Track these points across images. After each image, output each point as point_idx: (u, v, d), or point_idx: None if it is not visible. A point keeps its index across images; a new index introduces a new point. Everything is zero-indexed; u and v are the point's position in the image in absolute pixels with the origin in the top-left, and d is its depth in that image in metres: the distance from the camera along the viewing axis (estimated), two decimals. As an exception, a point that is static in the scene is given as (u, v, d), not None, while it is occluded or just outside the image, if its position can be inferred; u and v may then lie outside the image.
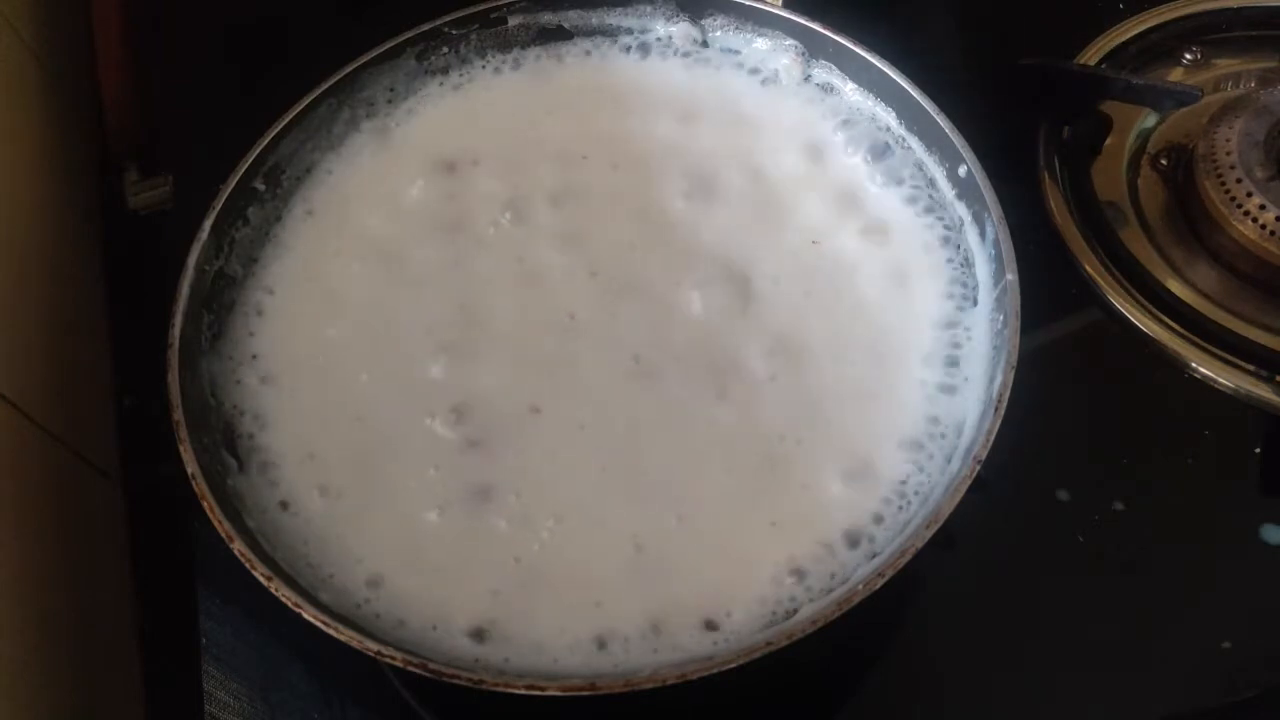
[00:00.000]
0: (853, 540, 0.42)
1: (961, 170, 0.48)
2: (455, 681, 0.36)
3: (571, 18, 0.57)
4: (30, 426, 0.52)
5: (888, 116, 0.52)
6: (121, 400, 0.60)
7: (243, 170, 0.49)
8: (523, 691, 0.36)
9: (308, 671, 0.47)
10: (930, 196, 0.50)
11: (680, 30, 0.56)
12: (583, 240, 0.51)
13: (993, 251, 0.46)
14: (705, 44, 0.56)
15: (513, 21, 0.56)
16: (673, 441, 0.45)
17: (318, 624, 0.38)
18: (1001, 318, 0.44)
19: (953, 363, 0.46)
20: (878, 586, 0.37)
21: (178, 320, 0.45)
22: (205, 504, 0.40)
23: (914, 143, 0.51)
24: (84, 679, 0.51)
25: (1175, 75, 0.64)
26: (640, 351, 0.47)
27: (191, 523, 0.48)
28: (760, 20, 0.55)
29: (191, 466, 0.41)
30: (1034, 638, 0.47)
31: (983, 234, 0.47)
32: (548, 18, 0.56)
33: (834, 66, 0.54)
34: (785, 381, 0.46)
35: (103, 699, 0.52)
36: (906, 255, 0.49)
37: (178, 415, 0.42)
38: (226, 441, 0.45)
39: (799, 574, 0.41)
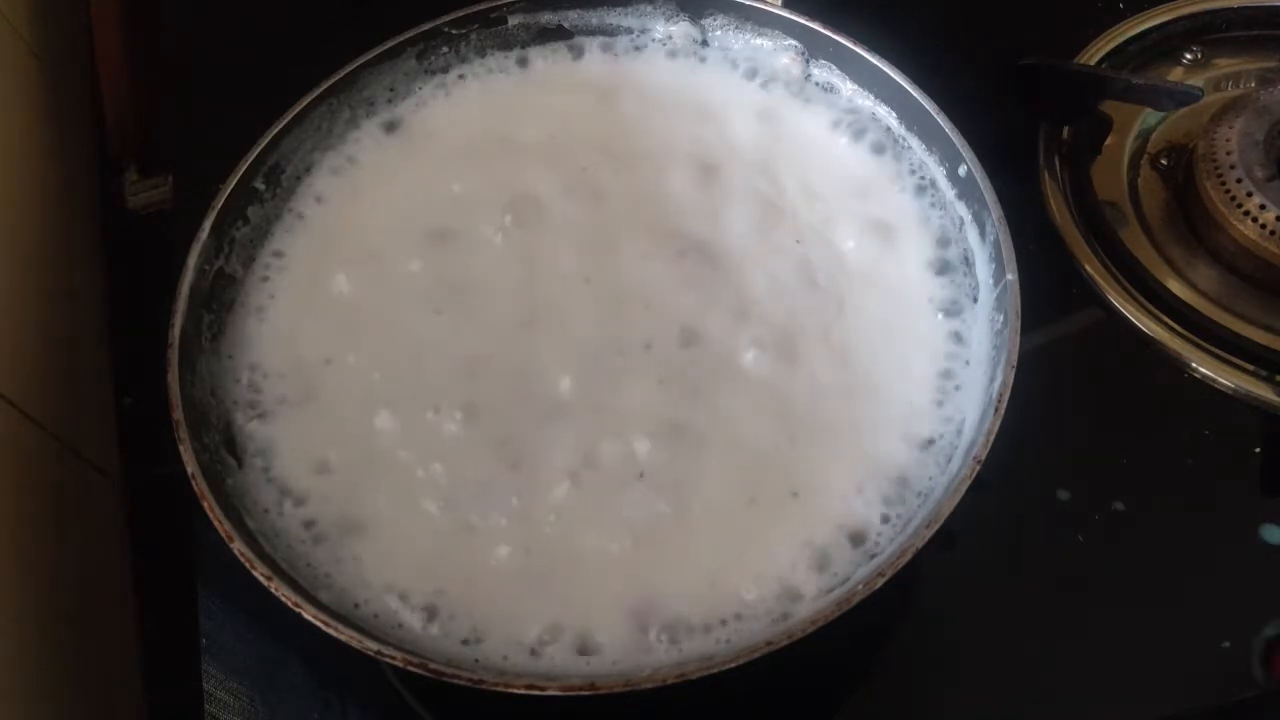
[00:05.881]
0: (853, 540, 0.42)
1: (961, 170, 0.48)
2: (455, 681, 0.36)
3: (571, 17, 0.57)
4: (30, 426, 0.52)
5: (888, 116, 0.52)
6: (121, 400, 0.60)
7: (243, 170, 0.49)
8: (522, 691, 0.36)
9: (308, 671, 0.47)
10: (930, 196, 0.50)
11: (680, 30, 0.56)
12: (583, 241, 0.50)
13: (993, 251, 0.46)
14: (705, 43, 0.56)
15: (513, 21, 0.56)
16: (670, 439, 0.45)
17: (318, 624, 0.38)
18: (1001, 318, 0.44)
19: (952, 363, 0.46)
20: (878, 586, 0.37)
21: (178, 320, 0.45)
22: (205, 504, 0.40)
23: (914, 142, 0.51)
24: (84, 679, 0.51)
25: (1175, 75, 0.64)
26: (638, 352, 0.47)
27: (191, 523, 0.47)
28: (760, 20, 0.55)
29: (191, 466, 0.41)
30: (1034, 637, 0.47)
31: (983, 234, 0.47)
32: (548, 17, 0.56)
33: (834, 66, 0.54)
34: (783, 381, 0.46)
35: (103, 699, 0.52)
36: (906, 254, 0.49)
37: (178, 415, 0.42)
38: (226, 441, 0.45)
39: (798, 574, 0.41)
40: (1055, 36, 0.65)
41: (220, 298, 0.48)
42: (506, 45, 0.57)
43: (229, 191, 0.49)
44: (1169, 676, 0.46)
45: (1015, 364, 0.41)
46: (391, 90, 0.55)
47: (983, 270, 0.47)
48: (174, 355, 0.43)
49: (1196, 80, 0.63)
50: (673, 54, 0.56)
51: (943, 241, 0.49)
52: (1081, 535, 0.48)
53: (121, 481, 0.59)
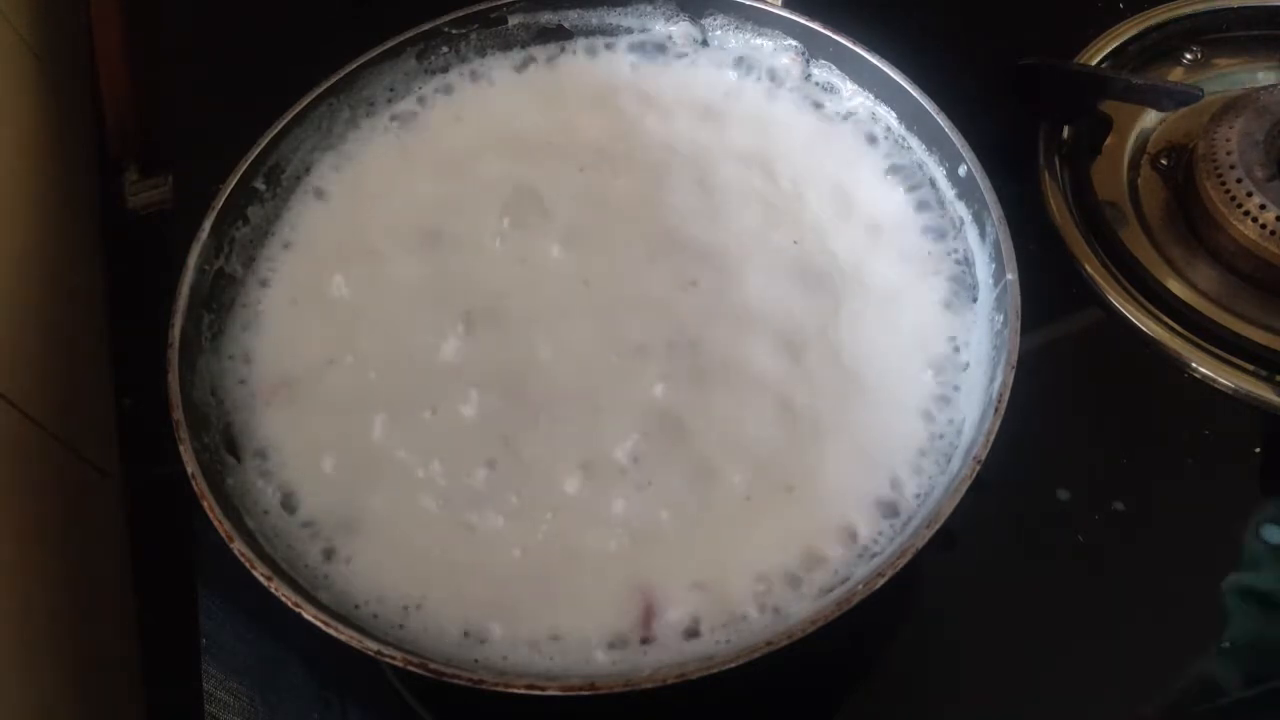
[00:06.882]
0: (851, 539, 0.42)
1: (961, 170, 0.48)
2: (455, 681, 0.36)
3: (571, 17, 0.57)
4: (30, 426, 0.52)
5: (888, 116, 0.52)
6: (121, 400, 0.60)
7: (243, 170, 0.49)
8: (522, 691, 0.36)
9: (308, 671, 0.47)
10: (930, 196, 0.50)
11: (680, 30, 0.56)
12: (583, 242, 0.50)
13: (993, 251, 0.46)
14: (705, 43, 0.56)
15: (513, 21, 0.56)
16: (667, 438, 0.45)
17: (318, 624, 0.38)
18: (1001, 318, 0.44)
19: (952, 363, 0.46)
20: (878, 586, 0.37)
21: (178, 320, 0.45)
22: (205, 504, 0.40)
23: (914, 142, 0.51)
24: (84, 679, 0.51)
25: (1175, 75, 0.64)
26: (635, 352, 0.47)
27: (191, 523, 0.48)
28: (760, 20, 0.55)
29: (191, 466, 0.41)
30: (1034, 637, 0.47)
31: (983, 234, 0.47)
32: (548, 17, 0.56)
33: (834, 66, 0.54)
34: (781, 380, 0.46)
35: (103, 699, 0.52)
36: (906, 254, 0.49)
37: (178, 415, 0.42)
38: (226, 441, 0.45)
39: (798, 573, 0.41)
40: (1055, 36, 0.65)
41: (220, 298, 0.48)
42: (506, 45, 0.57)
43: (229, 191, 0.49)
44: (1169, 676, 0.46)
45: (1015, 364, 0.41)
46: (391, 90, 0.55)
47: (982, 270, 0.47)
48: (174, 355, 0.43)
49: (1196, 80, 0.63)
50: (672, 54, 0.56)
51: (942, 242, 0.49)
52: (1081, 535, 0.48)
53: (121, 481, 0.59)
